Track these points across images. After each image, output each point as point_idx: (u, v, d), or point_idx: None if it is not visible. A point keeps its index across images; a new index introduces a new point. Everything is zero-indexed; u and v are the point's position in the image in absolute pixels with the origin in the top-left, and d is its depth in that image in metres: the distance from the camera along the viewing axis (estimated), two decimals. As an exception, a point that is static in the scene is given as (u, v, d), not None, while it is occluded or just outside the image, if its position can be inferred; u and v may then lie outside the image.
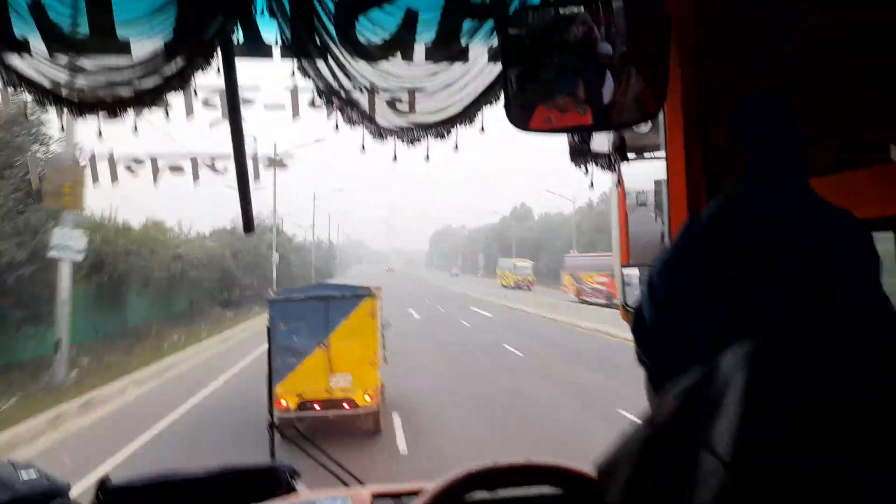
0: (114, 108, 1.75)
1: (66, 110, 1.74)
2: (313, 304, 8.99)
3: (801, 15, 1.40)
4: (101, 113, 1.76)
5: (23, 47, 1.70)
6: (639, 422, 0.55)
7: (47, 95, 1.72)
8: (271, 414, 2.11)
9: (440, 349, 18.19)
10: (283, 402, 8.48)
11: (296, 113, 1.98)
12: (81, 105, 1.74)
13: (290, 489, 1.76)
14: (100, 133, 1.83)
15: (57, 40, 1.71)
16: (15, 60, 1.69)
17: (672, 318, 0.64)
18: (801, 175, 0.65)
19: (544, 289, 48.72)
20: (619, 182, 2.47)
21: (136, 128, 1.79)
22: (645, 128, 1.91)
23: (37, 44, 1.71)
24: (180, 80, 1.75)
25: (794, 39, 1.45)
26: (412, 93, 1.82)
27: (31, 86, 1.70)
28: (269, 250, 33.17)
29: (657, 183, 2.82)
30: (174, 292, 25.64)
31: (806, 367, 0.47)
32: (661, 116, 1.72)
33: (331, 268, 57.63)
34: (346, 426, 8.80)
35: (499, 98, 1.74)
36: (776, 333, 0.52)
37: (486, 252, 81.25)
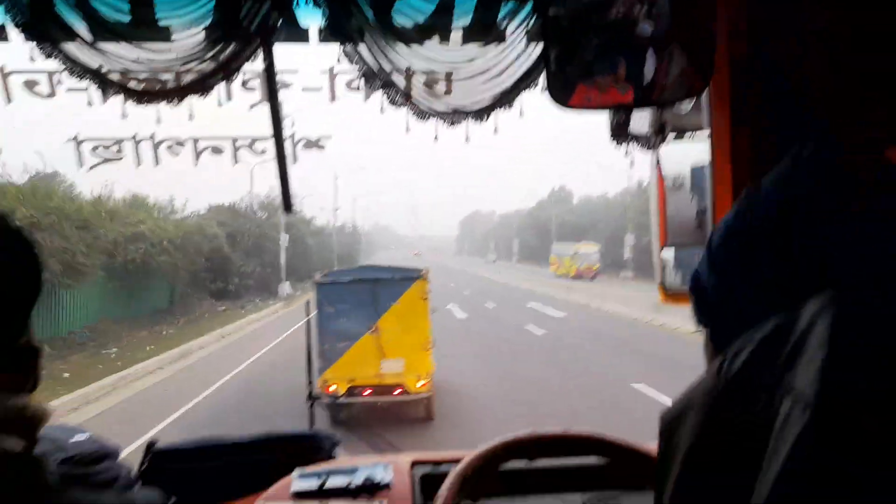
0: (158, 94, 1.79)
1: (109, 95, 1.78)
2: (362, 287, 8.77)
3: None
4: (144, 99, 1.79)
5: (70, 33, 1.74)
6: (706, 374, 0.54)
7: (96, 79, 1.75)
8: (310, 385, 2.16)
9: (507, 382, 11.18)
10: (333, 388, 8.26)
11: (333, 96, 2.00)
12: (127, 91, 1.78)
13: (331, 457, 1.81)
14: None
15: (100, 27, 1.74)
16: (62, 45, 1.72)
17: (730, 282, 0.63)
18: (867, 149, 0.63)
19: (604, 279, 40.48)
20: (658, 164, 2.44)
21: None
22: (686, 107, 1.88)
23: (82, 31, 1.75)
24: (219, 66, 1.77)
25: (843, 12, 1.41)
26: (449, 75, 1.81)
27: (78, 70, 1.74)
28: (279, 232, 29.49)
29: (693, 168, 2.78)
30: (146, 281, 21.33)
31: (890, 313, 0.46)
32: (704, 96, 1.69)
33: (355, 254, 54.30)
34: (397, 412, 8.49)
35: (537, 82, 1.73)
36: (858, 286, 0.51)
37: (521, 237, 76.50)
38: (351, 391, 8.35)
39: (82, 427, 1.73)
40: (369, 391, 8.47)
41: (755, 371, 0.48)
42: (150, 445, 1.78)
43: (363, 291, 8.76)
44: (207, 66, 1.78)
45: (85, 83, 1.74)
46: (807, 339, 0.45)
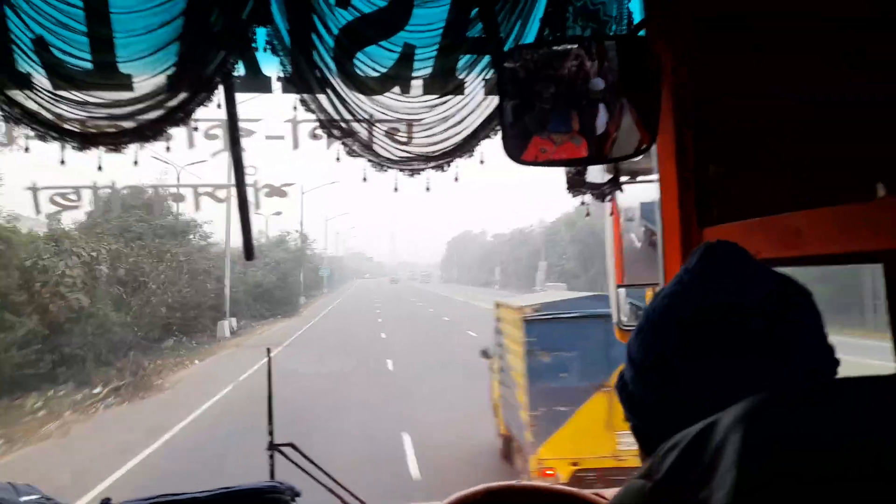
0: (116, 141, 1.78)
1: (68, 144, 1.77)
2: (589, 325, 6.33)
3: (792, 54, 1.46)
4: (103, 146, 1.79)
5: (26, 82, 1.73)
6: (636, 476, 0.58)
7: (50, 129, 1.74)
8: (271, 434, 2.13)
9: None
10: (551, 472, 5.99)
11: (296, 144, 2.02)
12: (84, 138, 1.77)
13: None
14: (100, 167, 1.85)
15: (59, 75, 1.74)
16: (18, 95, 1.71)
17: (646, 381, 0.68)
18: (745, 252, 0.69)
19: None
20: (613, 205, 2.53)
21: (136, 161, 1.82)
22: (635, 158, 1.96)
23: (40, 79, 1.74)
24: (182, 114, 1.78)
25: (783, 77, 1.51)
26: (410, 124, 1.86)
27: (35, 120, 1.73)
28: (219, 261, 26.30)
29: (642, 205, 2.88)
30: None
31: (800, 427, 0.50)
32: (654, 147, 1.77)
33: (319, 282, 52.14)
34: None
35: (496, 131, 1.78)
36: (769, 396, 0.55)
37: (528, 262, 63.60)
38: (576, 477, 5.91)
39: (33, 486, 1.69)
40: (602, 478, 5.76)
41: (678, 479, 0.52)
42: (105, 502, 1.73)
43: (591, 331, 6.31)
44: (167, 112, 1.78)
45: (39, 133, 1.73)
46: (721, 454, 0.49)
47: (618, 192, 2.23)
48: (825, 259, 1.34)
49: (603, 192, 1.92)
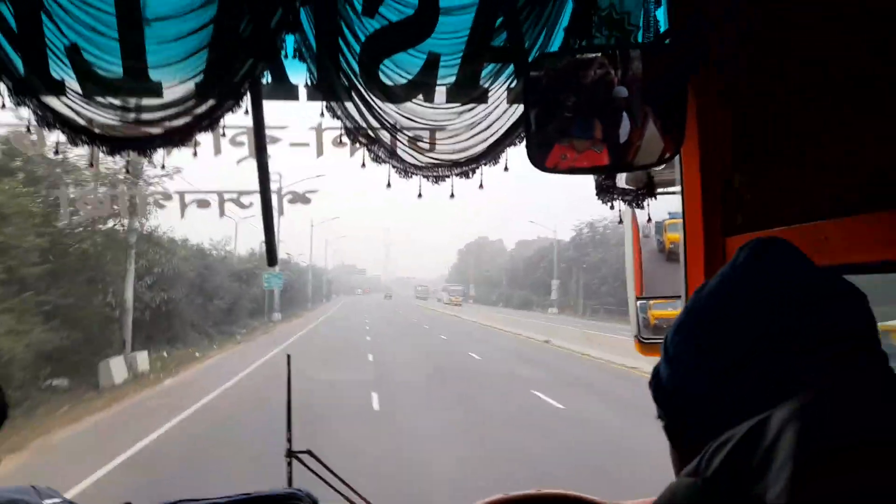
0: (145, 145, 1.81)
1: (97, 148, 1.80)
2: None
3: (820, 61, 1.46)
4: (132, 150, 1.82)
5: (59, 88, 1.77)
6: (684, 474, 0.58)
7: (80, 134, 1.77)
8: (289, 441, 2.12)
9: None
10: None
11: (320, 151, 2.04)
12: (114, 143, 1.80)
13: None
14: (127, 170, 1.88)
15: (91, 81, 1.78)
16: (51, 101, 1.75)
17: (687, 378, 0.67)
18: (795, 250, 0.69)
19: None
20: (633, 219, 2.52)
21: (163, 165, 1.85)
22: (658, 167, 1.96)
23: (72, 84, 1.78)
24: (210, 121, 1.81)
25: (811, 84, 1.51)
26: (433, 132, 1.87)
27: (66, 125, 1.76)
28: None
29: (657, 224, 2.86)
30: None
31: (855, 418, 0.50)
32: (677, 157, 1.77)
33: (301, 298, 46.69)
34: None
35: (521, 139, 1.80)
36: (823, 389, 0.55)
37: (587, 277, 51.04)
38: None
39: (54, 489, 1.68)
40: None
41: (730, 475, 0.52)
42: None
43: None
44: (195, 118, 1.81)
45: (71, 137, 1.76)
46: (775, 449, 0.49)
47: (635, 207, 2.23)
48: (855, 268, 1.33)
49: (636, 196, 1.92)
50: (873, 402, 0.53)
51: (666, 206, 2.39)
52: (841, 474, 0.47)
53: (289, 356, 2.32)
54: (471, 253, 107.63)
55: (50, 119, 1.73)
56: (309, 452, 2.13)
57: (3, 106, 1.71)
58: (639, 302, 2.50)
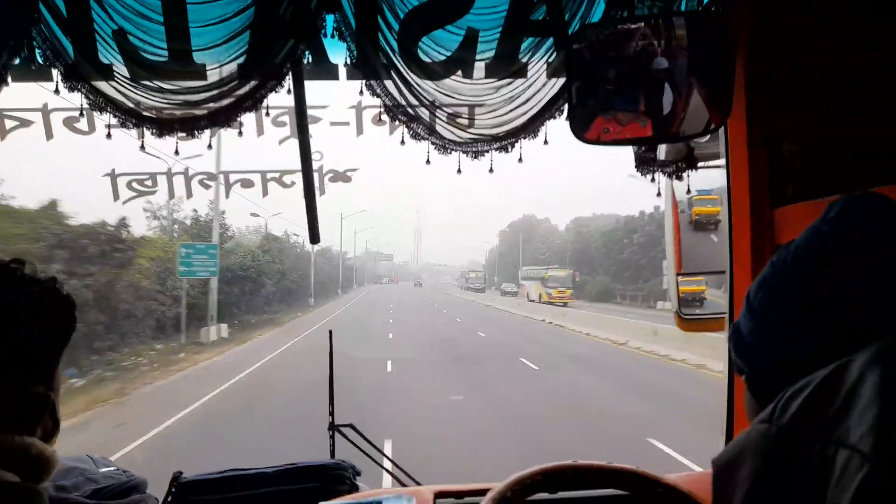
0: (190, 126, 1.85)
1: (146, 130, 1.85)
2: None
3: (869, 31, 1.42)
4: (178, 132, 1.86)
5: (107, 72, 1.81)
6: (757, 421, 0.57)
7: (130, 116, 1.82)
8: (332, 415, 2.17)
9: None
10: None
11: (360, 130, 2.05)
12: (160, 124, 1.84)
13: (353, 487, 1.81)
14: (177, 151, 1.93)
15: (138, 64, 1.82)
16: (101, 85, 1.80)
17: (770, 330, 0.67)
18: (887, 207, 0.67)
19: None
20: (672, 193, 2.49)
21: (210, 145, 1.88)
22: (703, 138, 1.92)
23: (119, 68, 1.82)
24: (252, 101, 1.84)
25: (860, 53, 1.47)
26: (472, 108, 1.87)
27: (116, 107, 1.81)
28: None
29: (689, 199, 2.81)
30: None
31: None
32: (722, 128, 1.74)
33: (308, 287, 40.12)
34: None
35: (561, 112, 1.78)
36: None
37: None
38: None
39: (108, 459, 1.75)
40: None
41: (807, 421, 0.51)
42: (176, 477, 1.79)
43: None
44: (238, 99, 1.84)
45: (120, 119, 1.81)
46: (857, 393, 0.48)
47: (675, 181, 2.20)
48: None
49: (677, 168, 1.89)
50: None
51: (708, 182, 2.35)
52: None
53: (331, 332, 2.35)
54: (515, 233, 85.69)
55: (101, 103, 1.78)
56: (351, 426, 2.17)
57: (58, 91, 1.77)
58: (679, 278, 2.47)
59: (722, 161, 1.83)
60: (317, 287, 42.48)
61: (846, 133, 1.56)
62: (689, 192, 2.01)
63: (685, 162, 1.88)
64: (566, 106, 1.71)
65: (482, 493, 1.41)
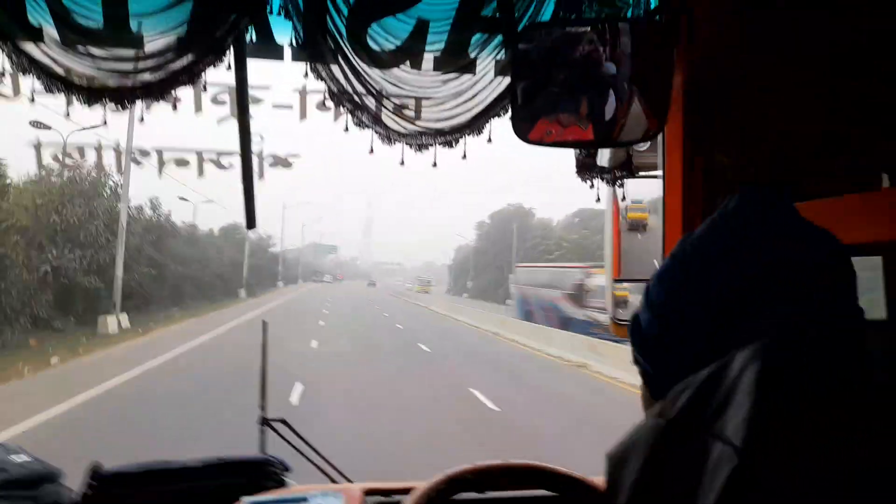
0: (122, 98, 1.77)
1: (74, 97, 1.76)
2: None
3: (807, 43, 1.47)
4: (108, 102, 1.77)
5: (36, 34, 1.72)
6: (649, 416, 0.58)
7: (57, 82, 1.73)
8: (262, 409, 2.11)
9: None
10: None
11: (303, 114, 2.01)
12: (90, 93, 1.76)
13: (281, 483, 1.77)
14: (105, 121, 1.84)
15: (70, 28, 1.73)
16: (28, 46, 1.70)
17: (667, 325, 0.67)
18: (786, 200, 0.69)
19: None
20: (614, 200, 2.54)
21: (142, 118, 1.81)
22: (642, 147, 1.97)
23: (50, 31, 1.73)
24: (190, 76, 1.77)
25: (796, 66, 1.52)
26: (419, 100, 1.86)
27: (42, 71, 1.71)
28: None
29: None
30: None
31: (814, 361, 0.51)
32: (659, 137, 1.78)
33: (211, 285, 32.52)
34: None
35: (506, 110, 1.79)
36: (785, 334, 0.56)
37: None
38: None
39: (21, 447, 1.66)
40: None
41: (692, 414, 0.53)
42: (95, 468, 1.71)
43: None
44: (174, 72, 1.77)
45: (46, 84, 1.71)
46: (736, 388, 0.50)
47: (617, 187, 2.24)
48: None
49: (614, 176, 1.92)
50: (836, 345, 0.55)
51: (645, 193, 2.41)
52: (798, 412, 0.48)
53: (265, 323, 2.30)
54: (501, 224, 68.20)
55: (25, 65, 1.69)
56: (283, 421, 2.12)
57: None
58: (615, 283, 2.52)
59: (660, 172, 1.87)
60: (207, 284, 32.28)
61: (781, 144, 1.61)
62: (623, 199, 2.05)
63: (625, 169, 1.92)
64: (510, 105, 1.71)
65: (409, 491, 1.40)
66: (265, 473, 1.79)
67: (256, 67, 1.83)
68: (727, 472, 0.46)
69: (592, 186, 1.96)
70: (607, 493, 0.58)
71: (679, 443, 0.52)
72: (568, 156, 1.99)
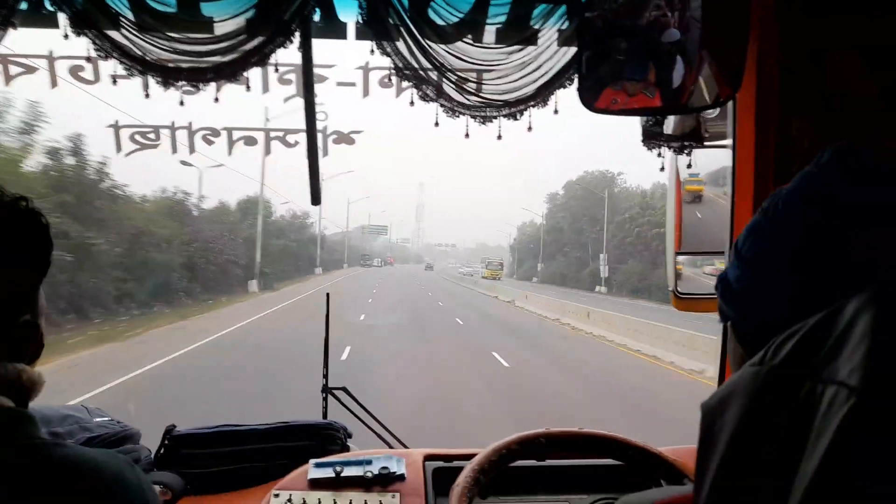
0: (197, 78, 1.84)
1: (152, 79, 1.83)
2: None
3: (883, 4, 1.40)
4: (185, 82, 1.84)
5: (114, 20, 1.79)
6: (748, 365, 0.57)
7: (136, 64, 1.80)
8: (325, 377, 2.19)
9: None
10: None
11: (366, 92, 2.04)
12: (167, 74, 1.83)
13: (344, 447, 1.84)
14: (181, 102, 1.91)
15: (145, 13, 1.80)
16: (109, 31, 1.78)
17: (758, 279, 0.67)
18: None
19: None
20: (676, 171, 2.48)
21: (216, 99, 1.87)
22: (710, 115, 1.92)
23: (127, 16, 1.80)
24: (260, 57, 1.82)
25: (875, 32, 1.45)
26: (480, 73, 1.86)
27: (123, 54, 1.79)
28: None
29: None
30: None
31: None
32: (729, 105, 1.73)
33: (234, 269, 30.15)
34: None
35: (572, 81, 1.77)
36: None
37: None
38: None
39: (101, 409, 1.77)
40: None
41: (798, 362, 0.51)
42: (169, 430, 1.81)
43: None
44: (244, 54, 1.82)
45: (127, 70, 1.79)
46: (849, 334, 0.48)
47: (680, 158, 2.19)
48: None
49: (682, 145, 1.89)
50: None
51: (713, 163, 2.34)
52: None
53: (328, 294, 2.36)
54: (577, 196, 56.72)
55: (108, 49, 1.76)
56: (344, 389, 2.19)
57: (67, 36, 1.75)
58: (679, 256, 2.47)
59: (729, 141, 1.82)
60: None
61: (858, 111, 1.55)
62: (689, 166, 2.01)
63: (692, 138, 1.88)
64: (576, 75, 1.70)
65: (469, 457, 1.43)
66: (329, 438, 1.85)
67: (321, 46, 1.87)
68: (845, 411, 0.44)
69: (660, 156, 1.92)
70: (701, 446, 0.58)
71: (783, 390, 0.51)
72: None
